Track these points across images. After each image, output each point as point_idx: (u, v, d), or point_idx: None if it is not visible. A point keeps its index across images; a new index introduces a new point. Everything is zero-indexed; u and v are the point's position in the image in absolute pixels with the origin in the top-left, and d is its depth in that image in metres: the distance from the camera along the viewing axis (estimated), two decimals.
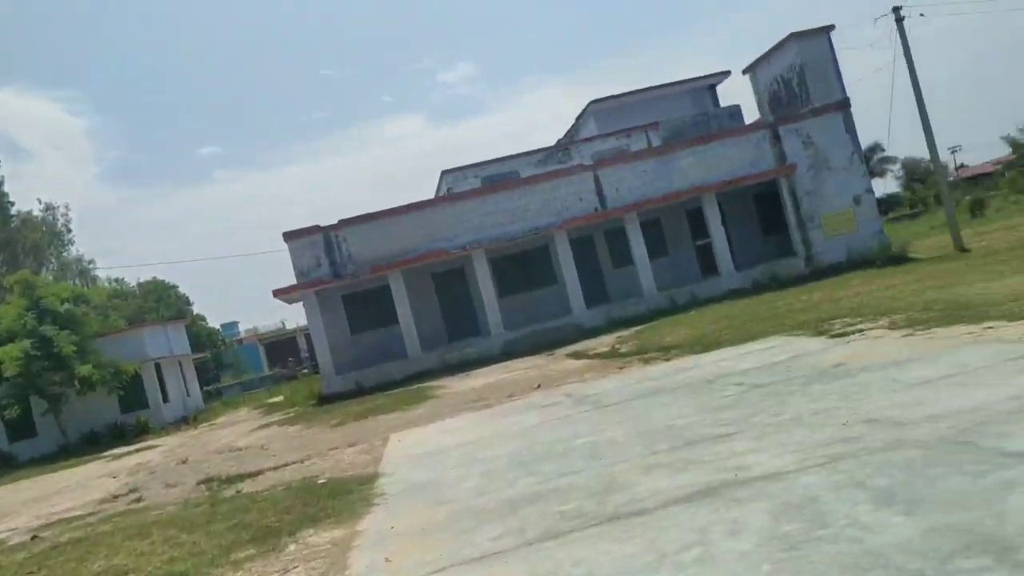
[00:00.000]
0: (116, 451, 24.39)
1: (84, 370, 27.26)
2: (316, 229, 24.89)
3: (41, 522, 12.29)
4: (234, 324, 72.41)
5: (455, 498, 7.43)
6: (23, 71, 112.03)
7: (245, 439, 18.38)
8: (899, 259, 23.83)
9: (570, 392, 12.91)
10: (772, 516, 4.88)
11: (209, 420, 30.58)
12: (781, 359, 11.00)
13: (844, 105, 26.48)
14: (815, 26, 26.81)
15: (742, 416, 7.96)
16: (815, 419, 7.13)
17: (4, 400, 27.76)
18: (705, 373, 11.41)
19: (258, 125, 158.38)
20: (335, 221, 25.05)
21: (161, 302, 49.27)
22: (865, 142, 33.37)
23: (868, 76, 65.74)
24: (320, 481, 10.08)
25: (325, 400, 23.20)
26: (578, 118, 34.76)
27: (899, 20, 26.51)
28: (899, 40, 26.55)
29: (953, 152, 76.14)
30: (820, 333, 12.58)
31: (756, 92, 29.52)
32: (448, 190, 29.92)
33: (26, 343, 26.74)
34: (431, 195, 33.76)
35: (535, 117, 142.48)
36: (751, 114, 30.67)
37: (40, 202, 55.02)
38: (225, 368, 56.55)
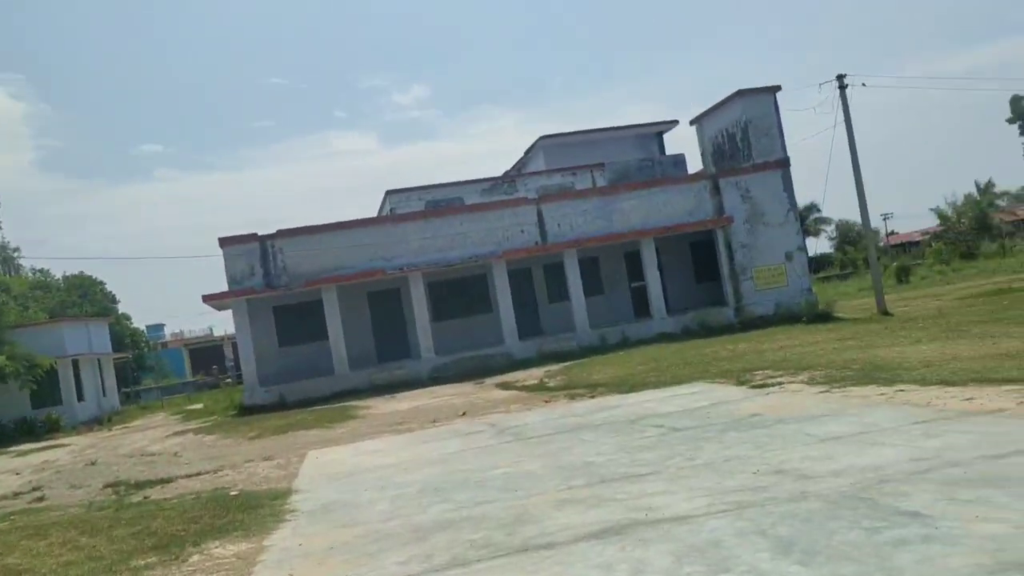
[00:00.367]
0: (22, 447, 23.50)
1: None
2: (253, 237, 24.55)
3: None
4: (160, 327, 70.73)
5: (366, 520, 7.37)
6: None
7: (159, 445, 17.91)
8: (825, 317, 24.51)
9: (494, 422, 12.93)
10: (676, 558, 4.96)
11: (124, 423, 29.70)
12: (702, 405, 11.21)
13: (784, 163, 27.29)
14: (763, 85, 27.72)
15: (659, 458, 8.08)
16: (727, 466, 7.28)
17: None
18: (628, 413, 11.55)
19: (203, 127, 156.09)
20: (273, 231, 24.75)
21: (86, 298, 47.78)
22: (802, 201, 34.51)
23: (809, 138, 67.86)
24: (232, 493, 9.89)
25: (246, 411, 22.76)
26: (527, 152, 35.13)
27: (842, 87, 27.50)
28: (841, 106, 27.56)
29: (885, 219, 79.15)
30: (742, 383, 12.87)
31: (701, 143, 30.23)
32: (391, 210, 29.86)
33: None
34: (373, 213, 33.69)
35: (484, 147, 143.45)
36: (695, 164, 31.41)
37: None
38: (147, 371, 55.06)
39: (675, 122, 34.56)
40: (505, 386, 18.93)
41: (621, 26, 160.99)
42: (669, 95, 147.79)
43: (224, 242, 24.45)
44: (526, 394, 16.72)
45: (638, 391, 14.02)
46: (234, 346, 45.49)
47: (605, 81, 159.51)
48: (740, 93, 27.40)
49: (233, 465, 12.59)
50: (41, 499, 12.19)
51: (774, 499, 5.93)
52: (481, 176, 32.30)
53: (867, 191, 27.89)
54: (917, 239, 74.71)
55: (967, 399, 8.69)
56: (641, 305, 27.51)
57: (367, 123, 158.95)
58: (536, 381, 18.80)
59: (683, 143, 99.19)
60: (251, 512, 8.43)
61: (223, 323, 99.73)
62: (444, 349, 25.24)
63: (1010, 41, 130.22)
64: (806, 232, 54.37)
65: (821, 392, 10.77)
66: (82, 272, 51.00)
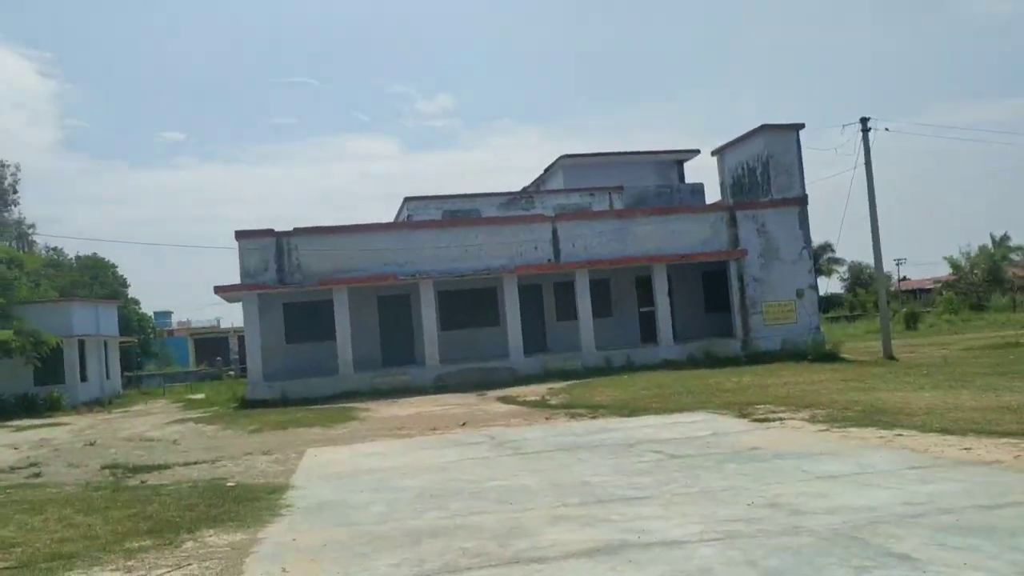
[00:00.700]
0: (22, 422, 23.63)
1: (3, 335, 26.45)
2: (270, 233, 24.73)
3: None
4: (167, 314, 71.02)
5: (361, 521, 7.44)
6: (1, 22, 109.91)
7: (158, 431, 18.02)
8: (831, 357, 24.49)
9: (493, 435, 12.99)
10: None
11: (125, 406, 29.83)
12: (702, 434, 11.25)
13: (802, 201, 27.36)
14: (787, 121, 27.84)
15: (655, 483, 8.13)
16: (723, 495, 7.33)
17: None
18: (628, 436, 11.60)
19: (226, 120, 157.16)
20: (290, 228, 24.94)
21: (97, 279, 47.97)
22: (816, 240, 34.50)
23: (828, 177, 67.82)
24: (229, 484, 9.97)
25: (247, 405, 22.84)
26: (547, 169, 35.27)
27: (865, 131, 27.57)
28: (862, 149, 27.62)
29: (898, 263, 78.86)
30: (743, 415, 12.91)
31: (721, 174, 30.33)
32: (408, 217, 30.01)
33: None
34: (388, 218, 33.86)
35: (503, 160, 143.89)
36: (713, 194, 31.50)
37: None
38: (150, 357, 55.22)
39: (696, 151, 34.69)
40: (507, 400, 18.98)
41: (648, 52, 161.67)
42: (688, 123, 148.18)
43: (241, 235, 24.63)
44: (527, 409, 16.77)
45: (639, 415, 14.06)
46: (240, 339, 45.68)
47: (627, 104, 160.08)
48: (764, 128, 27.53)
49: (231, 457, 12.68)
50: (38, 475, 12.29)
51: (766, 531, 5.98)
52: (498, 190, 32.46)
53: (882, 235, 27.95)
54: (928, 287, 74.53)
55: (965, 448, 8.73)
56: (648, 330, 27.53)
57: (389, 128, 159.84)
58: (538, 397, 18.85)
59: (703, 173, 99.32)
60: (247, 504, 8.51)
61: (230, 315, 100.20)
62: (449, 358, 25.32)
63: None
64: (818, 271, 54.31)
65: (821, 430, 10.81)
66: (95, 253, 51.33)
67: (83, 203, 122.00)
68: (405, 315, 26.81)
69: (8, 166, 49.28)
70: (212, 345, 60.75)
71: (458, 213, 29.66)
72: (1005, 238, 62.00)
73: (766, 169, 27.52)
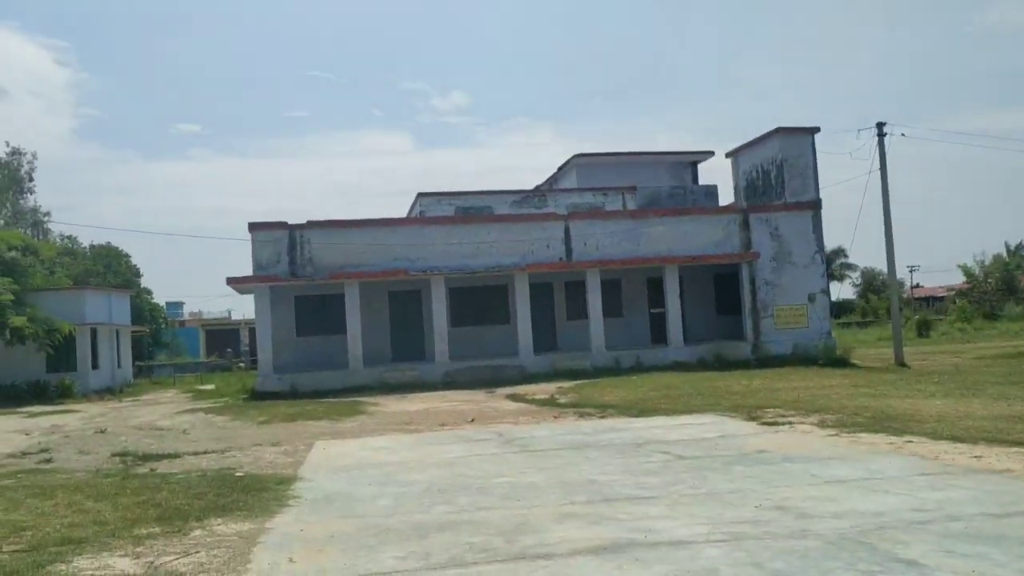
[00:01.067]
0: (34, 409, 23.81)
1: (17, 321, 26.63)
2: (283, 225, 24.81)
3: None
4: (179, 304, 71.38)
5: (368, 513, 7.46)
6: (18, 10, 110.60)
7: (168, 420, 18.11)
8: (841, 362, 24.41)
9: (502, 432, 13.00)
10: None
11: (135, 395, 30.00)
12: (711, 436, 11.24)
13: (815, 205, 27.25)
14: (802, 125, 27.73)
15: (663, 483, 8.13)
16: (730, 497, 7.32)
17: None
18: (636, 436, 11.59)
19: (241, 112, 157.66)
20: (303, 221, 25.01)
21: (110, 268, 48.23)
22: (830, 244, 34.36)
23: (843, 183, 67.59)
24: (237, 474, 10.02)
25: (257, 396, 22.93)
26: (560, 168, 35.25)
27: (881, 136, 27.43)
28: (878, 154, 27.48)
29: (911, 270, 78.58)
30: (752, 418, 12.89)
31: (735, 176, 30.24)
32: (421, 213, 30.05)
33: None
34: (399, 213, 33.91)
35: (518, 159, 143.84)
36: (726, 196, 31.41)
37: (8, 145, 54.02)
38: (161, 347, 55.47)
39: (711, 153, 34.61)
40: (516, 398, 19.00)
41: (664, 53, 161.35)
42: (703, 125, 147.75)
43: (254, 227, 24.72)
44: (536, 408, 16.78)
45: (648, 416, 14.05)
46: (251, 331, 45.88)
47: (642, 105, 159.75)
48: (779, 131, 27.43)
49: (241, 447, 12.74)
50: (49, 461, 12.38)
51: (773, 534, 5.98)
52: (513, 188, 32.45)
53: (896, 241, 27.81)
54: (941, 294, 74.14)
55: (975, 456, 8.69)
56: (658, 332, 27.48)
57: (403, 124, 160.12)
58: (547, 396, 18.86)
59: (717, 175, 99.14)
60: (255, 494, 8.55)
61: (243, 307, 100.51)
62: (459, 355, 25.35)
63: None
64: (831, 276, 54.16)
65: (831, 435, 10.78)
66: (109, 243, 51.58)
67: (97, 192, 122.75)
68: (416, 311, 26.85)
69: (25, 154, 49.63)
70: (223, 336, 61.01)
71: (470, 210, 29.68)
72: (1020, 247, 61.53)
73: (780, 172, 27.42)
